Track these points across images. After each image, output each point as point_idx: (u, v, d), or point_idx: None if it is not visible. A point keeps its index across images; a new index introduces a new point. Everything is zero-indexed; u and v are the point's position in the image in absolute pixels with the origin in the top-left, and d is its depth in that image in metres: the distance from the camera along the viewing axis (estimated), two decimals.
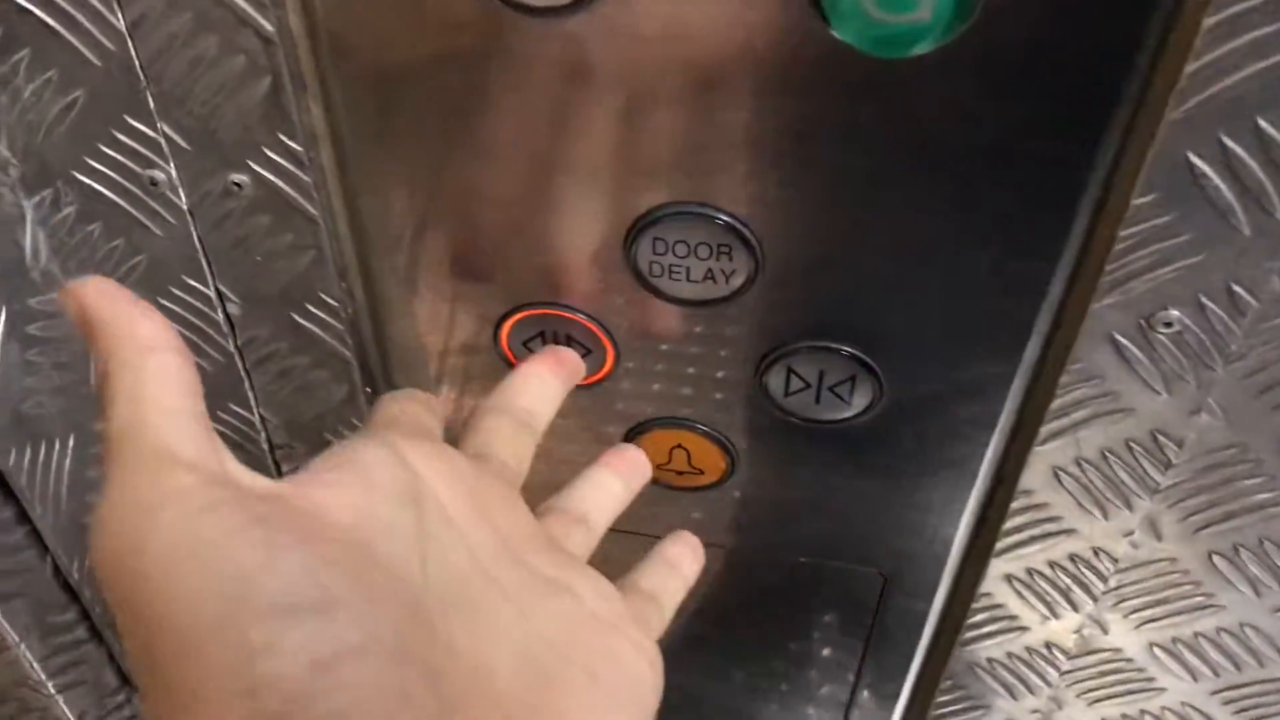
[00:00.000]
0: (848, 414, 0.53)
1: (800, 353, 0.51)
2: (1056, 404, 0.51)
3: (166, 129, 0.49)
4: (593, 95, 0.44)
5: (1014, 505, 0.56)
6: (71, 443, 0.59)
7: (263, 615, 0.27)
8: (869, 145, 0.43)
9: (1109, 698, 0.67)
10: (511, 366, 0.55)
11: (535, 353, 0.52)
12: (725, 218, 0.46)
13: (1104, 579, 0.59)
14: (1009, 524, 0.57)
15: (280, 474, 0.66)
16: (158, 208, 0.53)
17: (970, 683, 0.68)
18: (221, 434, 0.61)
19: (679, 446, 0.57)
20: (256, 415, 0.62)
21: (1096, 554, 0.58)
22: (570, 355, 0.51)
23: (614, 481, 0.48)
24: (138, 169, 0.51)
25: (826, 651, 0.69)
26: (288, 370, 0.59)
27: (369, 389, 0.60)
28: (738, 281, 0.48)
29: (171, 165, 0.51)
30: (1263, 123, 0.39)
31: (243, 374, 0.60)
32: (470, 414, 0.47)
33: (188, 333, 0.58)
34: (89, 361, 0.60)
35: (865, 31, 0.39)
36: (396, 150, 0.48)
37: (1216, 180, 0.41)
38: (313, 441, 0.64)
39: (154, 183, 0.51)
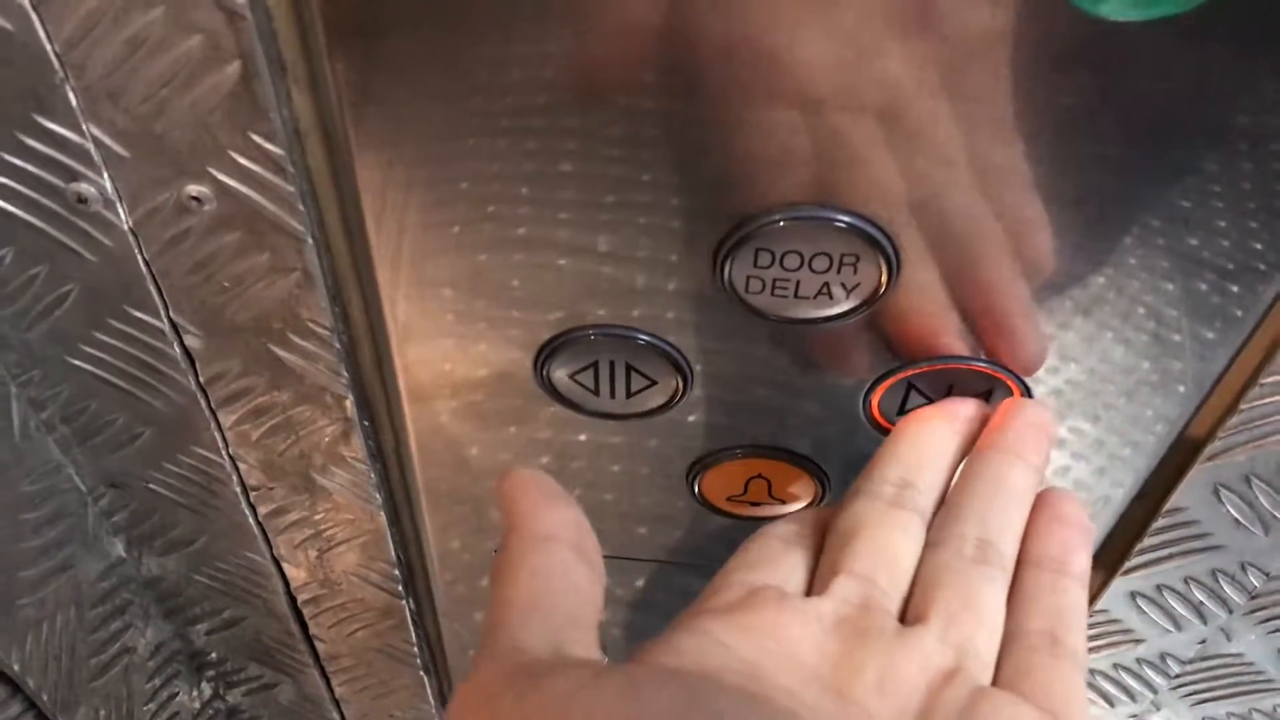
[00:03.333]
0: None
1: (927, 374, 0.41)
2: (1237, 420, 0.42)
3: (95, 131, 0.37)
4: (674, 67, 0.33)
5: (1159, 524, 0.47)
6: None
7: None
8: (1052, 124, 0.33)
9: (1222, 698, 0.60)
10: (557, 399, 0.44)
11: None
12: (850, 220, 0.35)
13: (1244, 593, 0.51)
14: (1150, 541, 0.48)
15: (257, 517, 0.55)
16: (88, 228, 0.40)
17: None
18: (183, 478, 0.50)
19: (759, 476, 0.47)
20: (225, 456, 0.51)
21: (1244, 568, 0.49)
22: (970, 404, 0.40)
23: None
24: (58, 182, 0.38)
25: None
26: (264, 408, 0.48)
27: (368, 422, 0.48)
28: (861, 295, 0.38)
29: (105, 177, 0.38)
30: None
31: (207, 414, 0.48)
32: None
33: (135, 370, 0.46)
34: (11, 406, 0.48)
35: None
36: (414, 141, 0.36)
37: None
38: (294, 482, 0.52)
39: (81, 199, 0.39)
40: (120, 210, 0.39)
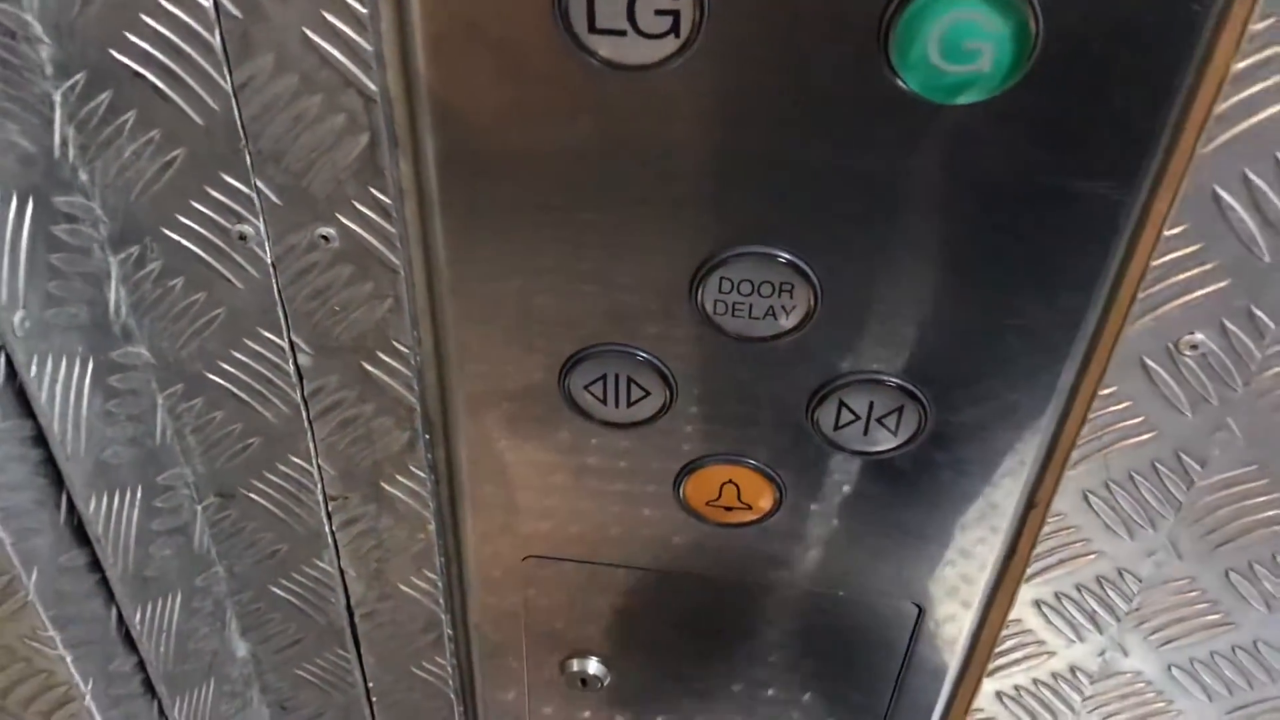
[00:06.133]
0: (894, 445, 0.57)
1: (852, 385, 0.55)
2: (1087, 428, 0.55)
3: (260, 185, 0.52)
4: (667, 146, 0.48)
5: (1045, 529, 0.60)
6: (140, 493, 0.61)
7: None
8: (924, 187, 0.48)
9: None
10: (576, 411, 0.58)
11: None
12: (788, 257, 0.50)
13: (1128, 599, 0.62)
14: (1040, 548, 0.61)
15: (332, 526, 0.68)
16: (242, 261, 0.56)
17: (998, 712, 0.71)
18: (278, 486, 0.64)
19: (730, 482, 0.61)
20: (315, 466, 0.65)
21: (1121, 575, 0.61)
22: None
23: None
24: (227, 224, 0.54)
25: (861, 683, 0.72)
26: (351, 419, 0.62)
27: (428, 435, 0.63)
28: (797, 317, 0.52)
29: (261, 220, 0.54)
30: None
31: (306, 425, 0.63)
32: None
33: (256, 384, 0.61)
34: (157, 414, 0.62)
35: (929, 80, 0.43)
36: (479, 200, 0.52)
37: (1241, 211, 0.46)
38: (366, 492, 0.66)
39: (242, 237, 0.54)
40: (267, 247, 0.55)
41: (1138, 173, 0.46)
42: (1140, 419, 0.54)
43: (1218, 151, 0.44)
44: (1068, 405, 0.55)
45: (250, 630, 0.77)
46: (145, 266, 0.57)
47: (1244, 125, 0.43)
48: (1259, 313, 0.49)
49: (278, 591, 0.74)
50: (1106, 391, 0.53)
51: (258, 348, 0.59)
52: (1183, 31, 0.42)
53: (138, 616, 0.63)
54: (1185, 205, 0.46)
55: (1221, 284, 0.48)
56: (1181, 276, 0.48)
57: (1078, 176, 0.46)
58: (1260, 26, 0.41)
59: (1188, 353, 0.51)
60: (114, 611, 0.62)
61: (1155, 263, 0.48)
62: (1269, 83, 0.42)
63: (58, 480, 0.55)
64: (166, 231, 0.55)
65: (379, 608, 0.73)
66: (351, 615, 0.74)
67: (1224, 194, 0.45)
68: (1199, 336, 0.50)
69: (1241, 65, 0.42)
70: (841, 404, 0.56)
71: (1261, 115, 0.43)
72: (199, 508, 0.68)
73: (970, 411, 0.56)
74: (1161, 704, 0.69)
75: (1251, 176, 0.45)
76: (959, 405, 0.55)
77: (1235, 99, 0.43)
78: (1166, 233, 0.47)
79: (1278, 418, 0.53)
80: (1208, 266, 0.48)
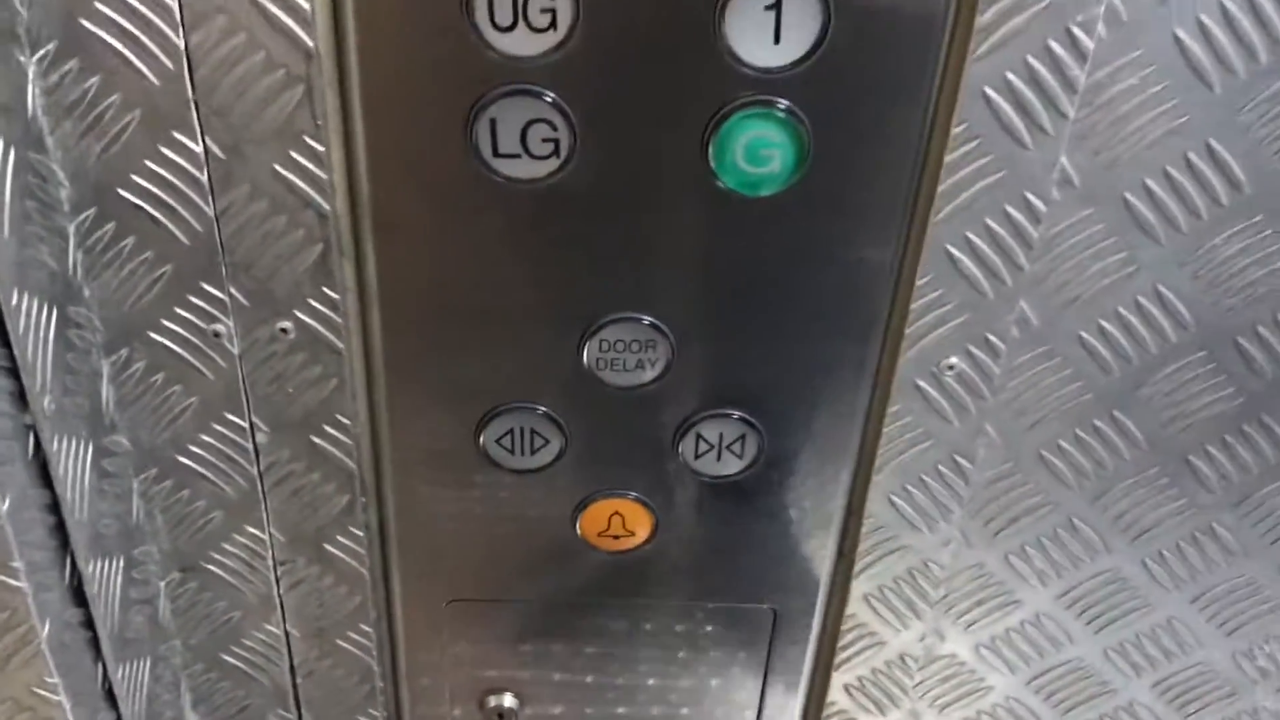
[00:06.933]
0: (741, 468, 0.73)
1: (705, 420, 0.71)
2: (883, 441, 0.72)
3: (234, 290, 0.67)
4: (553, 240, 0.65)
5: (864, 530, 0.76)
6: (122, 563, 0.73)
7: None
8: (745, 260, 0.65)
9: (953, 702, 0.86)
10: (489, 463, 0.73)
11: None
12: (650, 320, 0.67)
13: (936, 586, 0.79)
14: (862, 547, 0.77)
15: (280, 590, 0.80)
16: (214, 355, 0.69)
17: (848, 705, 0.86)
18: (235, 556, 0.76)
19: (616, 513, 0.76)
20: (268, 534, 0.77)
21: (927, 565, 0.78)
22: None
23: None
24: (203, 325, 0.68)
25: (731, 692, 0.86)
26: (300, 489, 0.75)
27: (364, 498, 0.76)
28: (660, 368, 0.68)
29: (231, 319, 0.68)
30: (990, 222, 0.63)
31: (261, 496, 0.75)
32: None
33: (220, 463, 0.74)
34: (133, 495, 0.74)
35: (739, 178, 0.61)
36: (409, 294, 0.67)
37: (968, 262, 0.64)
38: (310, 554, 0.78)
39: (215, 334, 0.68)
40: (235, 341, 0.69)
41: (893, 240, 0.64)
42: (920, 430, 0.71)
43: (947, 219, 0.63)
44: (867, 424, 0.72)
45: (200, 702, 0.87)
46: (130, 368, 0.70)
47: (959, 200, 0.62)
48: (992, 338, 0.67)
49: (228, 659, 0.84)
50: (893, 409, 0.71)
51: (223, 429, 0.72)
52: (912, 137, 0.61)
53: (119, 674, 0.74)
54: (930, 261, 0.64)
55: (962, 318, 0.66)
56: (933, 315, 0.66)
57: (853, 246, 0.64)
58: (959, 129, 0.60)
59: (947, 373, 0.69)
60: (100, 668, 0.73)
61: (914, 305, 0.66)
62: (971, 168, 0.61)
63: (64, 544, 0.67)
64: (152, 335, 0.68)
65: (318, 666, 0.85)
66: (294, 676, 0.85)
67: (954, 250, 0.64)
68: (953, 359, 0.68)
69: (950, 159, 0.61)
70: (698, 436, 0.72)
71: (970, 191, 0.62)
72: (162, 583, 0.80)
73: (796, 436, 0.72)
74: (974, 682, 0.85)
75: (971, 236, 0.63)
76: (787, 431, 0.72)
77: (950, 181, 0.61)
78: (918, 282, 0.65)
79: (1023, 421, 0.71)
80: (949, 306, 0.66)
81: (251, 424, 0.72)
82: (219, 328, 0.68)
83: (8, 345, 0.59)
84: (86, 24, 0.57)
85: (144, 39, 0.58)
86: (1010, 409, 0.70)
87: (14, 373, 0.60)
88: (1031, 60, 0.58)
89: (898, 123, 0.60)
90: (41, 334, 0.61)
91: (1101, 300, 0.66)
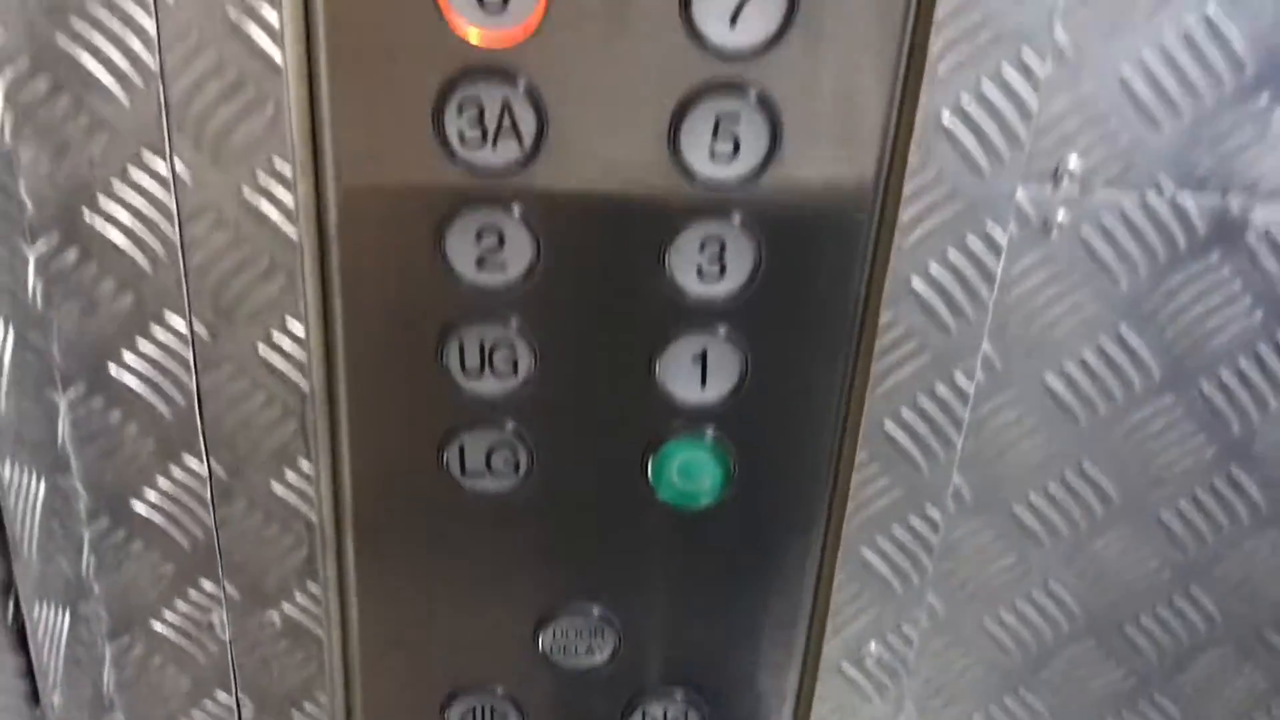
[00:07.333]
0: None
1: (650, 698, 0.79)
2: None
3: (228, 585, 0.75)
4: (515, 543, 0.74)
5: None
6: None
7: None
8: (679, 561, 0.74)
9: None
10: None
11: None
12: (600, 611, 0.75)
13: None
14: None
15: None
16: (205, 640, 0.77)
17: None
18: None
19: None
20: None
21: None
22: None
23: None
24: (201, 619, 0.76)
25: None
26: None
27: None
28: (608, 652, 0.76)
29: (224, 612, 0.76)
30: (898, 531, 0.72)
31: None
32: None
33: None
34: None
35: (675, 493, 0.71)
36: (383, 583, 0.75)
37: (884, 569, 0.73)
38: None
39: (210, 625, 0.76)
40: (226, 630, 0.76)
41: (815, 544, 0.73)
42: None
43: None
44: (798, 705, 0.80)
45: None
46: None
47: (869, 511, 0.71)
48: (906, 627, 0.76)
49: None
50: (820, 690, 0.78)
51: (214, 709, 0.79)
52: (821, 464, 0.71)
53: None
54: (843, 563, 0.73)
55: (875, 612, 0.75)
56: (850, 608, 0.75)
57: (778, 550, 0.74)
58: (866, 454, 0.70)
59: (868, 659, 0.77)
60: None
61: (834, 599, 0.75)
62: (875, 485, 0.71)
63: None
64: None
65: None
66: None
67: (869, 555, 0.73)
68: (873, 644, 0.76)
69: (858, 478, 0.70)
70: (643, 713, 0.79)
71: (878, 505, 0.71)
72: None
73: (734, 709, 0.80)
74: None
75: (881, 540, 0.72)
76: (726, 706, 0.80)
77: (860, 498, 0.71)
78: (837, 579, 0.74)
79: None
80: (862, 600, 0.74)
81: (238, 701, 0.79)
82: (214, 619, 0.76)
83: None
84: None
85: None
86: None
87: None
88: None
89: (811, 447, 0.70)
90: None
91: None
